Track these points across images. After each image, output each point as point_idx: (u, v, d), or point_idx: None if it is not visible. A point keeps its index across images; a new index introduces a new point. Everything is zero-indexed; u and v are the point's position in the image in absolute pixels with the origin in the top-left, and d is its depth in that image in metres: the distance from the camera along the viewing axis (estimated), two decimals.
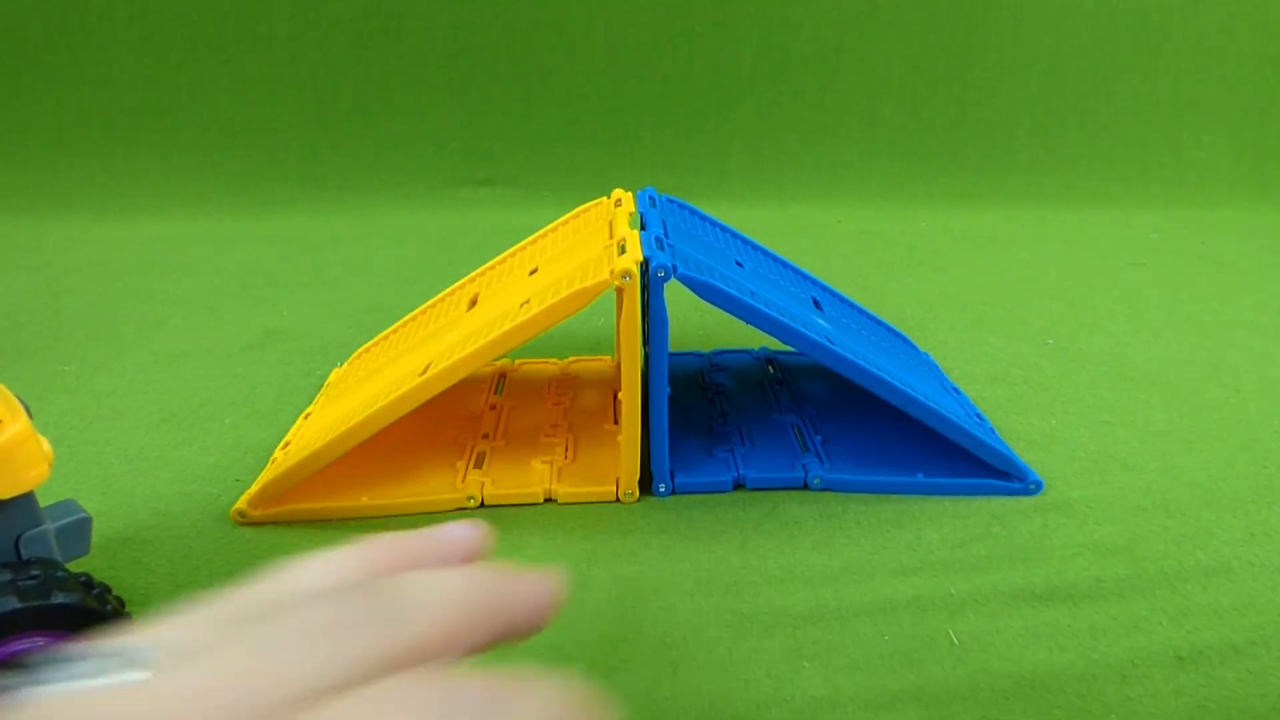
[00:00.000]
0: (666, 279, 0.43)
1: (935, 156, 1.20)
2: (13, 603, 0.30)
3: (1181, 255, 0.95)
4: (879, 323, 0.63)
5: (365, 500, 0.46)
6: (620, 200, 0.56)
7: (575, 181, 1.16)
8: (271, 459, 0.50)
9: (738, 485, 0.48)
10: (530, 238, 0.60)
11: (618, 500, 0.47)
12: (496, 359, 0.56)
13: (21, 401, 0.33)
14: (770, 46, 1.18)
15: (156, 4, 1.12)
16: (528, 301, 0.46)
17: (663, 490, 0.47)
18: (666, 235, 0.48)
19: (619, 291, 0.42)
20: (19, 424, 0.32)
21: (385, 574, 0.19)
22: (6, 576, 0.31)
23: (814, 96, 1.20)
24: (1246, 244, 1.00)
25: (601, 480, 0.47)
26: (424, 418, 0.48)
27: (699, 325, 0.71)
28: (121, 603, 0.34)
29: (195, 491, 0.48)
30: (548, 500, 0.47)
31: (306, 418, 0.55)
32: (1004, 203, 1.16)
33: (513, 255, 0.60)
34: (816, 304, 0.55)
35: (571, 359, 0.63)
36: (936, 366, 0.62)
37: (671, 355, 0.62)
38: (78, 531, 0.35)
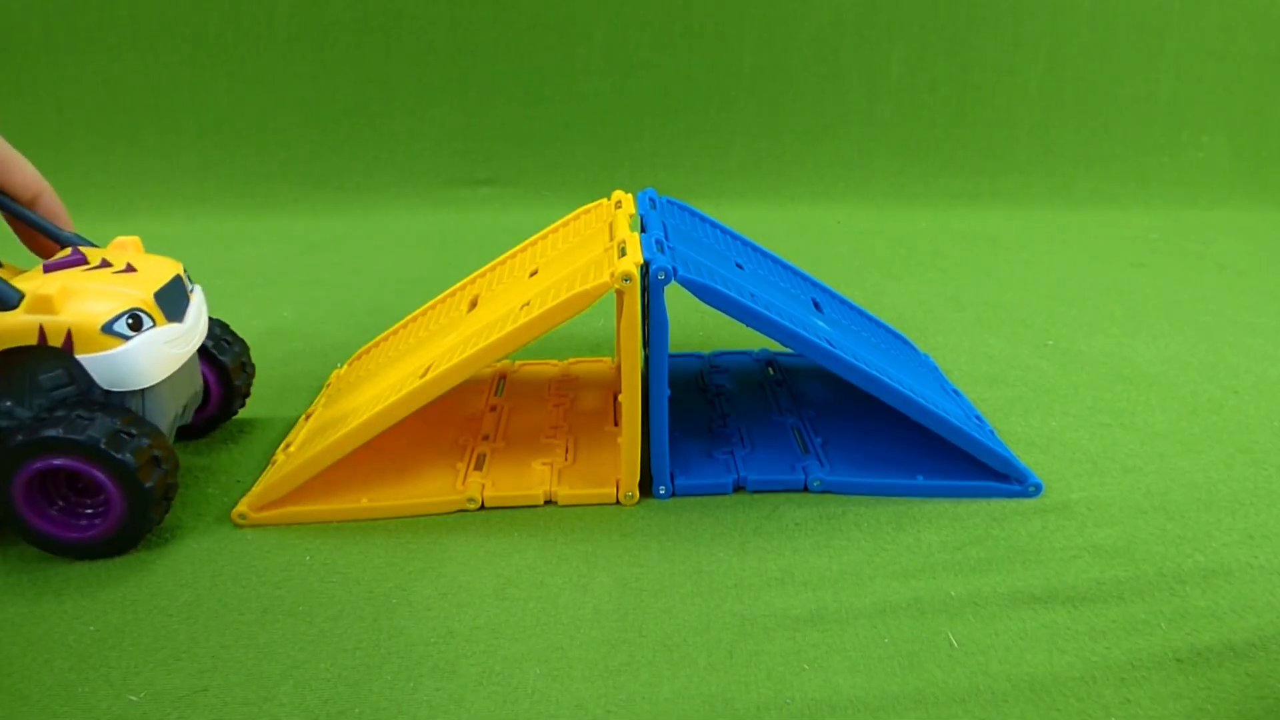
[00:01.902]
0: (667, 281, 0.43)
1: (935, 156, 1.20)
2: None
3: (1181, 255, 0.95)
4: (879, 324, 0.63)
5: (365, 502, 0.46)
6: (620, 202, 0.56)
7: (575, 181, 1.17)
8: (272, 460, 0.50)
9: (738, 487, 0.48)
10: (530, 239, 0.60)
11: (618, 502, 0.47)
12: (497, 360, 0.56)
13: None
14: (770, 46, 1.18)
15: (156, 4, 1.12)
16: (528, 304, 0.46)
17: (663, 492, 0.47)
18: (666, 237, 0.48)
19: (619, 294, 0.42)
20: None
21: None
22: None
23: (814, 96, 1.20)
24: (1246, 244, 1.00)
25: (602, 482, 0.48)
26: (424, 419, 0.48)
27: (699, 327, 0.71)
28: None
29: (195, 492, 0.48)
30: (548, 502, 0.47)
31: (307, 418, 0.55)
32: (1004, 203, 1.16)
33: (513, 256, 0.60)
34: (816, 305, 0.55)
35: (572, 360, 0.63)
36: (936, 368, 0.62)
37: (671, 357, 0.62)
38: None
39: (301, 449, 0.48)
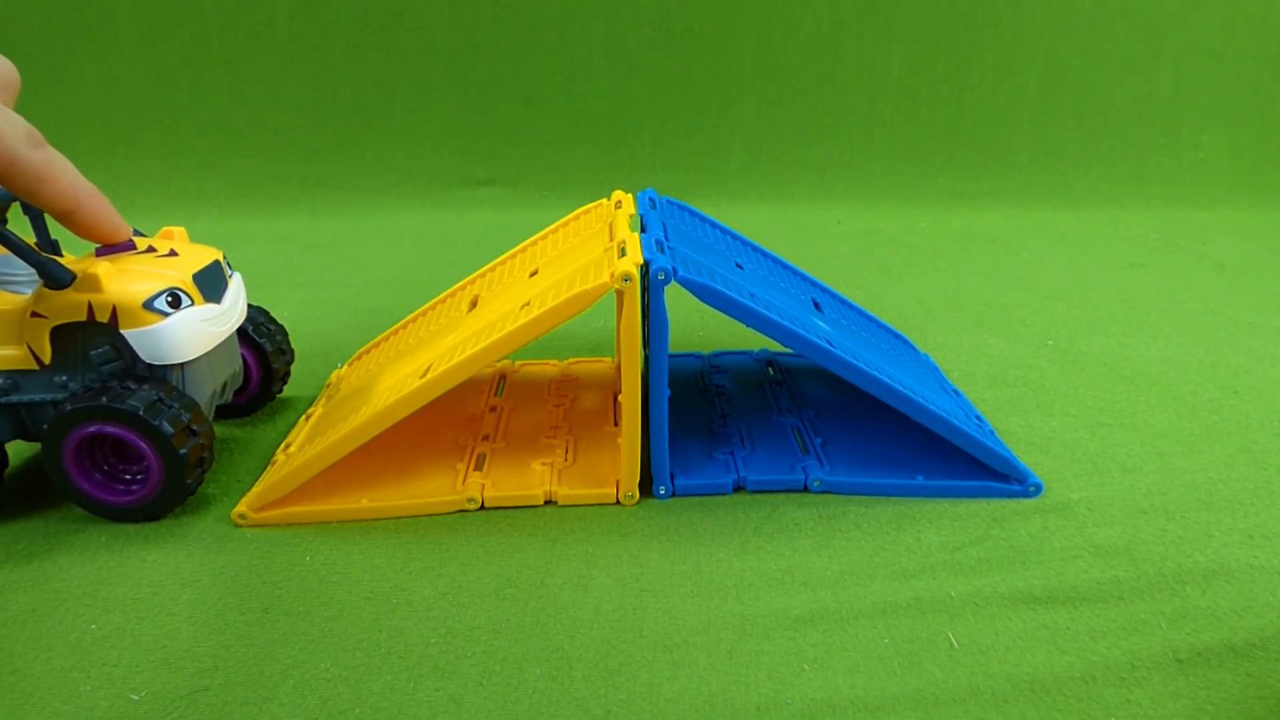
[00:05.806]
0: (667, 282, 0.43)
1: (935, 156, 1.20)
2: None
3: (1181, 255, 0.95)
4: (879, 324, 0.63)
5: (365, 502, 0.46)
6: (620, 202, 0.56)
7: (575, 181, 1.17)
8: (272, 461, 0.50)
9: (738, 487, 0.48)
10: (530, 239, 0.60)
11: (618, 502, 0.47)
12: (497, 360, 0.56)
13: None
14: (770, 46, 1.18)
15: (156, 4, 1.12)
16: (528, 304, 0.46)
17: (663, 492, 0.47)
18: (666, 237, 0.48)
19: (619, 294, 0.42)
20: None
21: None
22: None
23: (814, 96, 1.20)
24: (1246, 244, 1.00)
25: (601, 482, 0.48)
26: (424, 419, 0.48)
27: (699, 327, 0.71)
28: None
29: (196, 492, 0.48)
30: (548, 502, 0.47)
31: (307, 419, 0.55)
32: (1004, 203, 1.16)
33: (513, 257, 0.60)
34: (816, 306, 0.55)
35: (572, 360, 0.63)
36: (936, 368, 0.62)
37: (671, 357, 0.63)
38: None
39: (301, 449, 0.48)
